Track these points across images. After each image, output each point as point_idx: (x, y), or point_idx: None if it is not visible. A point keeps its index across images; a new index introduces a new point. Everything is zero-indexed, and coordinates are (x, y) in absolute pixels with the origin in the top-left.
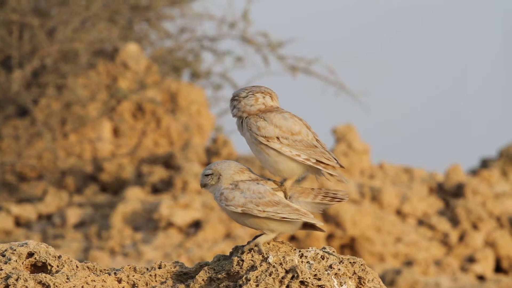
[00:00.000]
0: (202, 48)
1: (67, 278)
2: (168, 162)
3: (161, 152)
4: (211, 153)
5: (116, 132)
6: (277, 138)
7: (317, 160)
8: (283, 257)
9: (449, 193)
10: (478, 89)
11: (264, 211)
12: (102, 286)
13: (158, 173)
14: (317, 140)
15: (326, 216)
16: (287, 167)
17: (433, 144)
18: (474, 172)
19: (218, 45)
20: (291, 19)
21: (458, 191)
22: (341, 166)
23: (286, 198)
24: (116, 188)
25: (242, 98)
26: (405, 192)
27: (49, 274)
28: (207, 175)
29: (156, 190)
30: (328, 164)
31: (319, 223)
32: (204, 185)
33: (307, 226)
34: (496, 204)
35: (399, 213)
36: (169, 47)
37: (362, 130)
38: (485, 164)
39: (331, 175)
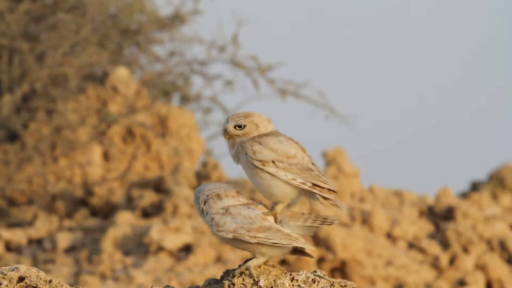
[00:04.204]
0: (192, 72)
1: None
2: (158, 186)
3: (151, 176)
4: (201, 176)
5: (106, 156)
6: (273, 162)
7: (313, 184)
8: (274, 280)
9: (440, 216)
10: (469, 112)
11: (255, 237)
12: None
13: (149, 197)
14: (312, 163)
15: (317, 240)
16: (281, 190)
17: (423, 167)
18: (464, 195)
19: (208, 68)
20: (280, 42)
21: (448, 214)
22: (335, 192)
23: (276, 222)
24: (106, 212)
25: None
26: (395, 216)
27: None
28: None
29: (146, 214)
30: (323, 188)
31: (310, 248)
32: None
33: (297, 251)
34: (486, 227)
35: (389, 236)
36: (159, 71)
37: (352, 153)
38: (475, 187)
39: (326, 198)
